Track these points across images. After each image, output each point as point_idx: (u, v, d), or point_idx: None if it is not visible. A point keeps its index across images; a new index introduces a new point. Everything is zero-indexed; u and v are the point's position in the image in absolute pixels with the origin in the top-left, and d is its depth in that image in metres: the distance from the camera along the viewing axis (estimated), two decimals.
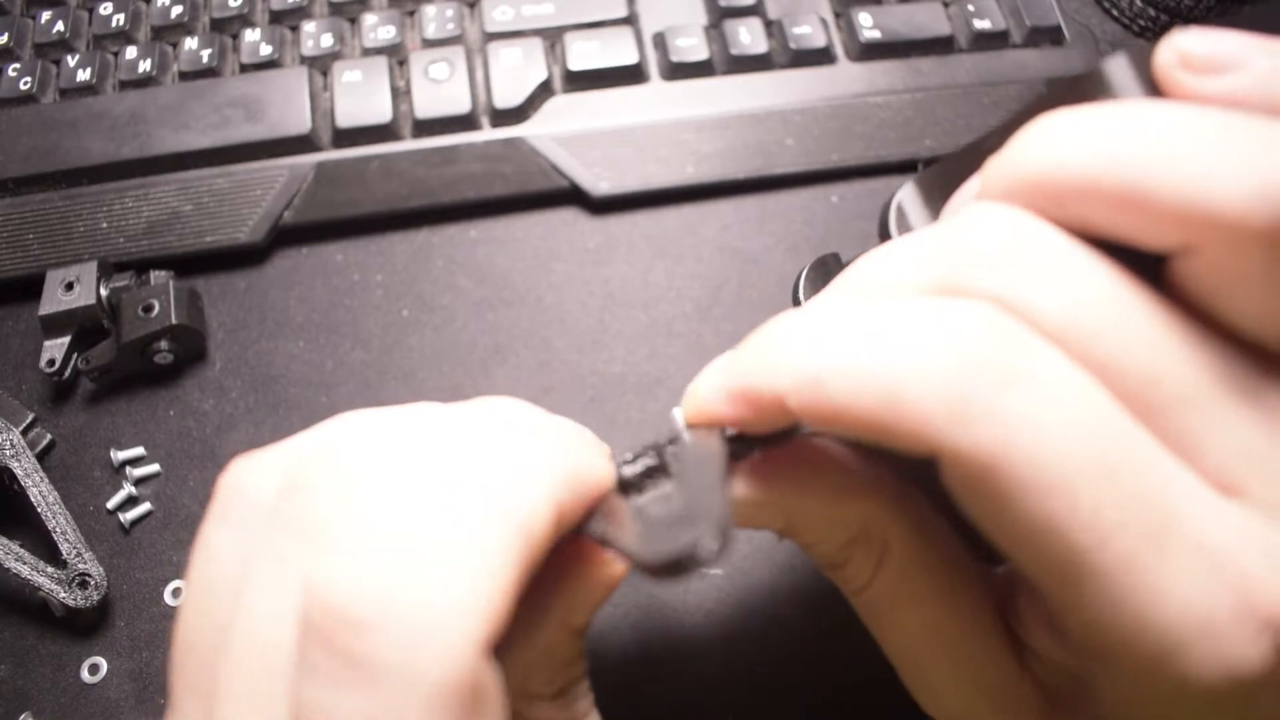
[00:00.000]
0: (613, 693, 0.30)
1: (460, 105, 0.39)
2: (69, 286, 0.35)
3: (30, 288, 0.36)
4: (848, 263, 0.26)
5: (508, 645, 0.18)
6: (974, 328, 0.16)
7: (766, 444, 0.20)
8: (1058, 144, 0.17)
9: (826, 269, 0.27)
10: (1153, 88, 0.18)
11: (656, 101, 0.39)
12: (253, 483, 0.18)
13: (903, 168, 0.40)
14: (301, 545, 0.16)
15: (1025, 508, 0.15)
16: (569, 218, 0.39)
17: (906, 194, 0.21)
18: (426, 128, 0.39)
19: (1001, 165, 0.18)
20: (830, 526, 0.20)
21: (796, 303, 0.27)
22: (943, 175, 0.21)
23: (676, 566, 0.15)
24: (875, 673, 0.22)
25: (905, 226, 0.21)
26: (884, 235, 0.21)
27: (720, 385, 0.19)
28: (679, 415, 0.20)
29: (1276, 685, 0.15)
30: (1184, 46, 0.17)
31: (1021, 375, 0.15)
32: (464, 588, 0.15)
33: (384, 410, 0.19)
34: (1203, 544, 0.15)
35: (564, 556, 0.20)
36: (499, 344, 0.37)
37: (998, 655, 0.19)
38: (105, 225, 0.37)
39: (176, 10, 0.41)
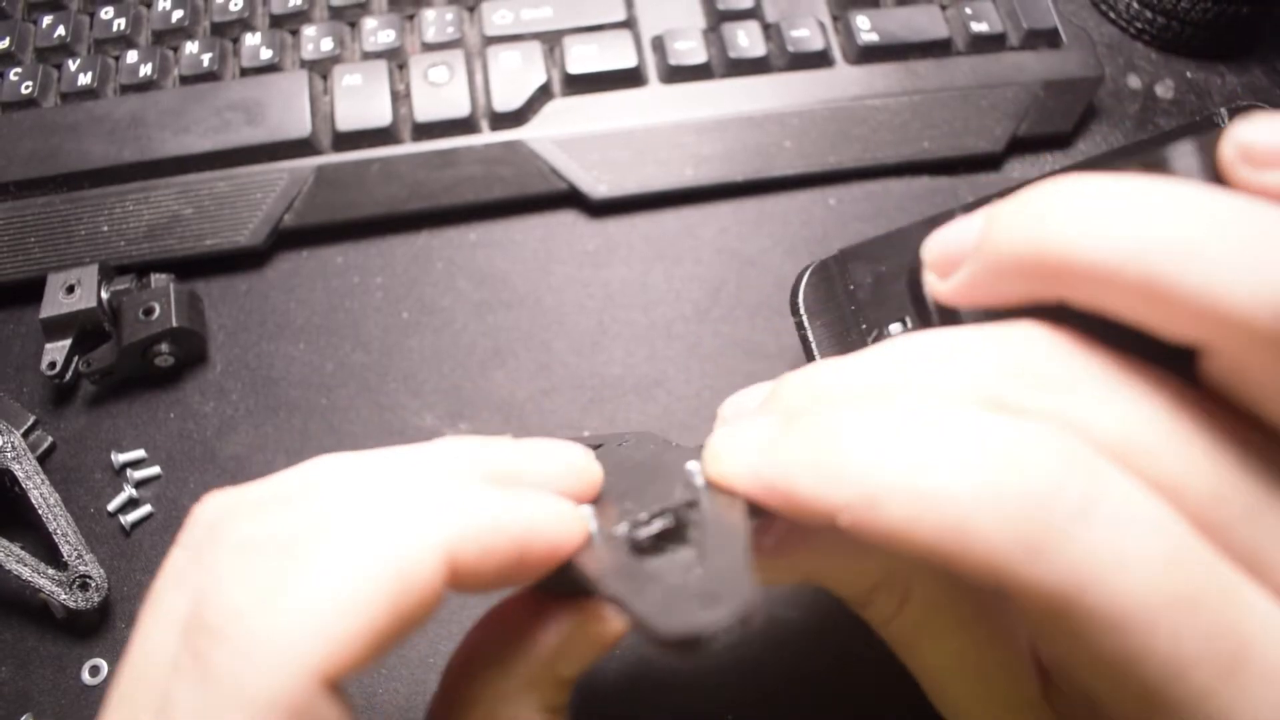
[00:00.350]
0: (611, 693, 0.30)
1: (460, 108, 0.39)
2: (70, 289, 0.35)
3: (31, 291, 0.36)
4: (842, 260, 0.26)
5: (474, 674, 0.19)
6: (1044, 452, 0.15)
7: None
8: (1076, 219, 0.16)
9: (829, 275, 0.26)
10: (1215, 179, 0.17)
11: (655, 104, 0.40)
12: (209, 516, 0.19)
13: (901, 170, 0.40)
14: (200, 566, 0.17)
15: (1101, 643, 0.15)
16: (568, 220, 0.39)
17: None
18: (426, 131, 0.39)
19: (1008, 227, 0.17)
20: (852, 578, 0.20)
21: (795, 310, 0.27)
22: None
23: (693, 644, 0.15)
24: (873, 674, 0.22)
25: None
26: (916, 297, 0.20)
27: (757, 471, 0.18)
28: (697, 474, 0.19)
29: None
30: (1245, 139, 0.16)
31: (1096, 504, 0.15)
32: (313, 618, 0.15)
33: (356, 454, 0.19)
34: (1276, 671, 0.15)
35: (564, 608, 0.19)
36: (499, 346, 0.37)
37: (1022, 683, 0.19)
38: (106, 228, 0.38)
39: (177, 14, 0.41)
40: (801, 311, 0.27)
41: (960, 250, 0.18)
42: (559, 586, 0.19)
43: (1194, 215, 0.15)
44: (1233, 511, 0.15)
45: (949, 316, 0.20)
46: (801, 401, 0.19)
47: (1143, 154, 0.17)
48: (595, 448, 0.23)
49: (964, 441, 0.15)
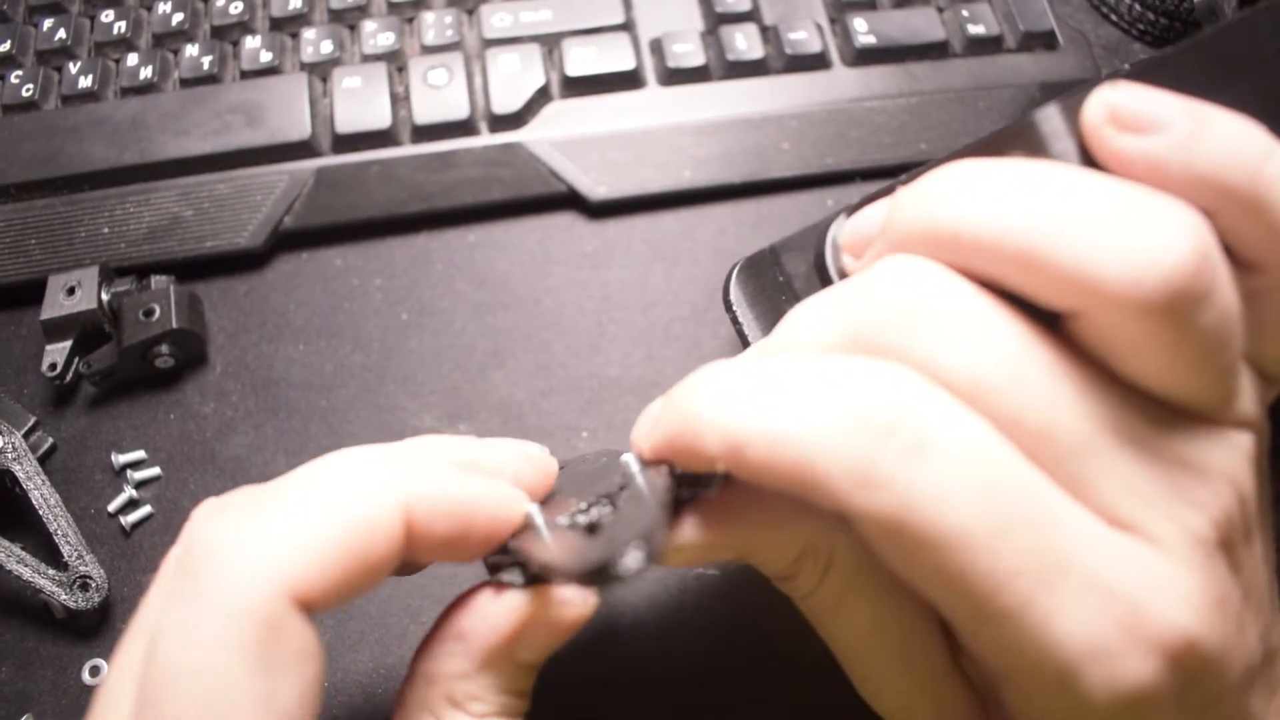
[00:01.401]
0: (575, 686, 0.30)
1: (459, 111, 0.39)
2: (70, 291, 0.36)
3: (32, 292, 0.36)
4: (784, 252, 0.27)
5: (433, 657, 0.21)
6: (880, 394, 0.17)
7: (715, 483, 0.21)
8: (962, 199, 0.18)
9: (758, 269, 0.27)
10: (1080, 140, 0.19)
11: (653, 106, 0.40)
12: (202, 514, 0.20)
13: (898, 172, 0.39)
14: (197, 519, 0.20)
15: (927, 562, 0.17)
16: (567, 222, 0.40)
17: (839, 229, 0.22)
18: (425, 133, 0.39)
19: (907, 210, 0.19)
20: (779, 550, 0.21)
21: (727, 304, 0.28)
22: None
23: (598, 575, 0.17)
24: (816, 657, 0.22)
25: (839, 262, 0.22)
26: (820, 269, 0.22)
27: (654, 437, 0.20)
28: (632, 461, 0.21)
29: (1169, 701, 0.17)
30: (1114, 102, 0.18)
31: (922, 440, 0.17)
32: (285, 540, 0.18)
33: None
34: (1094, 579, 0.16)
35: (522, 594, 0.21)
36: (497, 347, 0.37)
37: (935, 656, 0.21)
38: (107, 230, 0.38)
39: (177, 18, 0.41)
40: (734, 307, 0.27)
41: (869, 232, 0.21)
42: (519, 580, 0.21)
43: (1063, 195, 0.17)
44: (1063, 446, 0.17)
45: None
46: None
47: (1021, 122, 0.19)
48: (562, 467, 0.25)
49: (810, 386, 0.17)
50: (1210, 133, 0.17)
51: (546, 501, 0.23)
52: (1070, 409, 0.17)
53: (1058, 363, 0.18)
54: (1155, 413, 0.18)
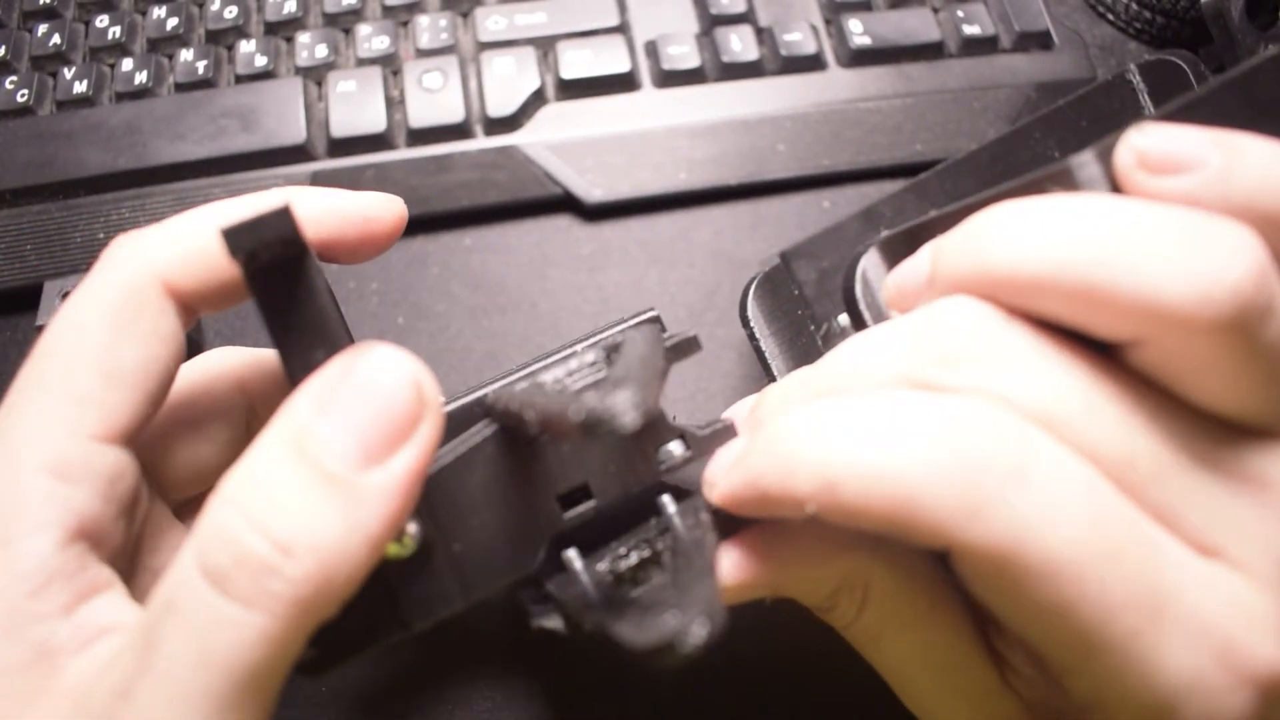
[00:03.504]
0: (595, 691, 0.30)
1: (454, 114, 0.39)
2: (66, 297, 0.36)
3: (28, 298, 0.36)
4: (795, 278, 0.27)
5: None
6: (974, 424, 0.17)
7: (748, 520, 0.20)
8: (1013, 241, 0.18)
9: (774, 283, 0.27)
10: (1116, 185, 0.18)
11: (649, 109, 0.40)
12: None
13: (894, 172, 0.40)
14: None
15: (1037, 594, 0.16)
16: (563, 225, 0.40)
17: (871, 262, 0.22)
18: (421, 136, 0.39)
19: (955, 256, 0.19)
20: (813, 585, 0.21)
21: (745, 322, 0.27)
22: (909, 243, 0.21)
23: (664, 653, 0.16)
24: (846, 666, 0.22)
25: (871, 295, 0.22)
26: (850, 301, 0.22)
27: (733, 484, 0.20)
28: (670, 504, 0.21)
29: None
30: (1141, 147, 0.18)
31: (1026, 468, 0.16)
32: (164, 241, 0.21)
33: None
34: (1192, 611, 0.16)
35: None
36: (494, 350, 0.37)
37: (980, 672, 0.20)
38: (102, 236, 0.38)
39: (172, 22, 0.41)
40: (751, 324, 0.27)
41: (915, 285, 0.20)
42: (561, 628, 0.21)
43: (1114, 224, 0.17)
44: (1146, 473, 0.17)
45: None
46: (773, 411, 0.21)
47: (1049, 168, 0.19)
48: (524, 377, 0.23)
49: (900, 420, 0.17)
50: (1243, 162, 0.17)
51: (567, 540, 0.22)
52: (1146, 436, 0.17)
53: (1126, 392, 0.17)
54: (1223, 434, 0.18)
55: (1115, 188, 0.18)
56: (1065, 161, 0.19)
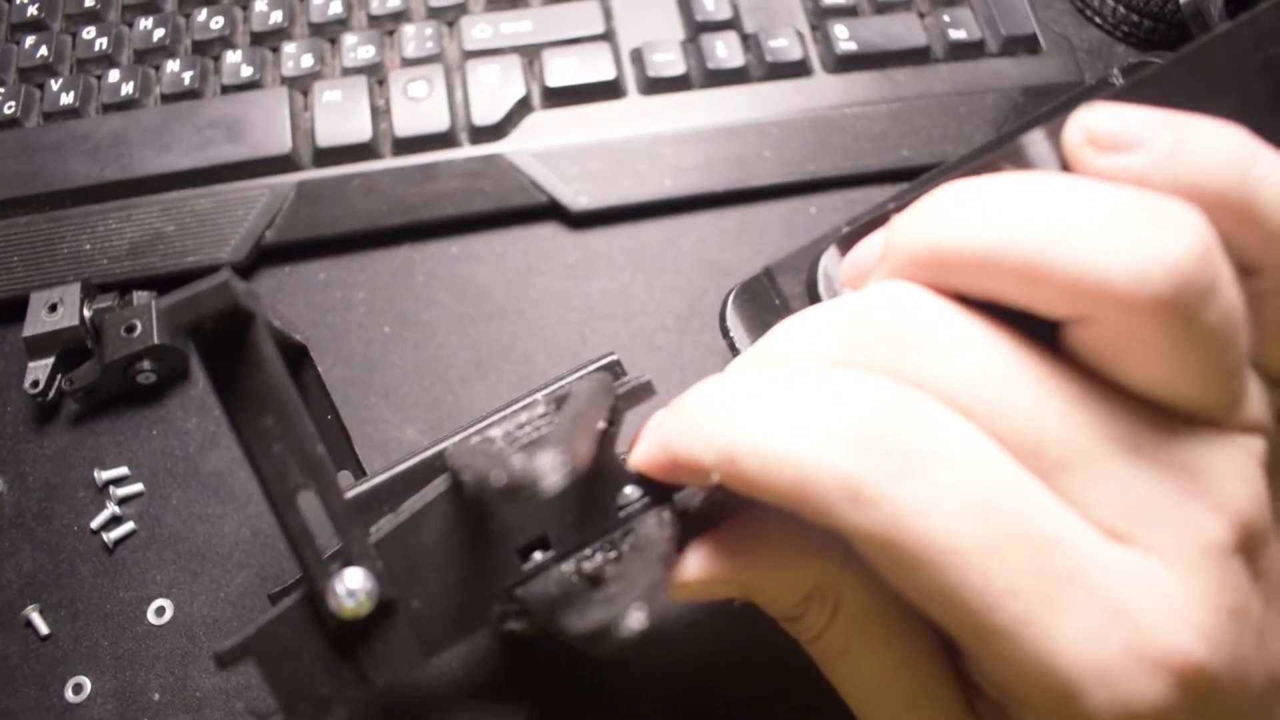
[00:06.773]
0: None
1: (440, 123, 0.39)
2: (52, 308, 0.36)
3: (14, 310, 0.36)
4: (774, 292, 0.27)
5: None
6: (874, 409, 0.17)
7: (719, 515, 0.21)
8: (958, 220, 0.18)
9: (754, 294, 0.27)
10: (1066, 164, 0.18)
11: (634, 116, 0.40)
12: None
13: (880, 178, 0.40)
14: None
15: (920, 581, 0.17)
16: (549, 233, 0.40)
17: (832, 258, 0.22)
18: (406, 146, 0.39)
19: (904, 235, 0.19)
20: (784, 589, 0.21)
21: (724, 330, 0.27)
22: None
23: (600, 637, 0.17)
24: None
25: (832, 288, 0.22)
26: (813, 298, 0.22)
27: (652, 448, 0.20)
28: (633, 499, 0.21)
29: (1184, 718, 0.16)
30: (1091, 124, 0.18)
31: (917, 453, 0.16)
32: None
33: None
34: (1094, 596, 0.16)
35: None
36: (480, 359, 0.37)
37: (947, 700, 0.20)
38: (88, 247, 0.38)
39: (158, 33, 0.41)
40: (730, 333, 0.27)
41: (868, 263, 0.20)
42: (526, 629, 0.21)
43: (1060, 201, 0.17)
44: (1058, 457, 0.17)
45: None
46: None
47: (1001, 145, 0.19)
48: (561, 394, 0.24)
49: (805, 401, 0.17)
50: (1192, 142, 0.17)
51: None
52: (1060, 422, 0.17)
53: (1049, 377, 0.17)
54: (1160, 421, 0.17)
55: (1065, 166, 0.19)
56: (1016, 140, 0.19)
